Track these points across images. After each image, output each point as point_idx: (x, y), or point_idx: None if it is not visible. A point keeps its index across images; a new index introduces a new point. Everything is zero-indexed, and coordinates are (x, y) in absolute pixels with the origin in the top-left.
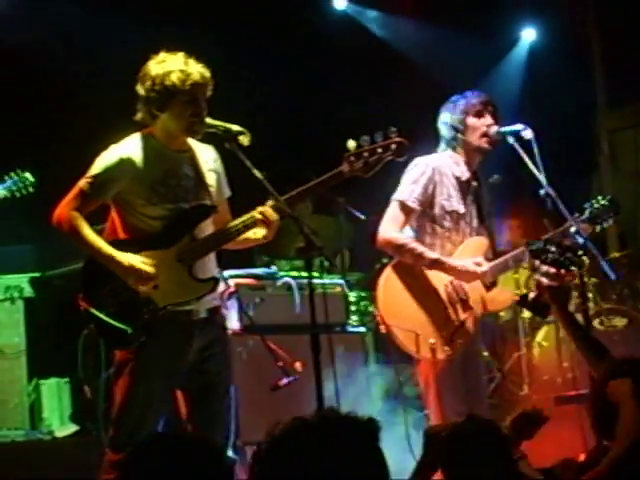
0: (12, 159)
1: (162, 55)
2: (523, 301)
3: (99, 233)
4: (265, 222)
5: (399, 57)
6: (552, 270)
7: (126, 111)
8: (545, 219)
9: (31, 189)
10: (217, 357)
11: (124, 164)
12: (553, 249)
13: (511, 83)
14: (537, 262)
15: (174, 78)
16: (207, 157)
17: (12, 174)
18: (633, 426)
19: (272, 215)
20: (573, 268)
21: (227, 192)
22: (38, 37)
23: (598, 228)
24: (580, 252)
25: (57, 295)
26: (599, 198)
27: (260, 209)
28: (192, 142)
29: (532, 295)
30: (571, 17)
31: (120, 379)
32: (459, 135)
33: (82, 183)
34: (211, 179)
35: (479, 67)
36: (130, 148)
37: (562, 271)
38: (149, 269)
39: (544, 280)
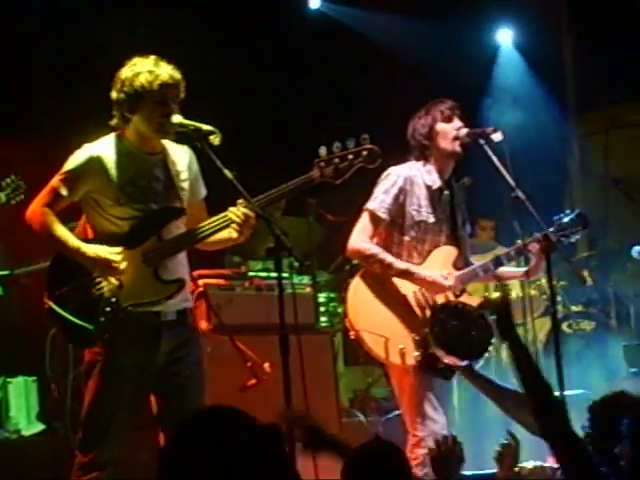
0: None
1: (134, 59)
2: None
3: (71, 231)
4: (240, 223)
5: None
6: None
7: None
8: (515, 221)
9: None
10: (187, 359)
11: (94, 162)
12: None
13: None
14: None
15: (142, 79)
16: (182, 159)
17: (8, 180)
18: None
19: (249, 213)
20: None
21: (203, 192)
22: None
23: (566, 242)
24: None
25: (25, 293)
26: (567, 212)
27: (235, 209)
28: (167, 144)
29: None
30: (543, 21)
31: (89, 381)
32: (430, 142)
33: (54, 181)
34: (184, 182)
35: (452, 66)
36: (101, 147)
37: None
38: (115, 257)
39: None
